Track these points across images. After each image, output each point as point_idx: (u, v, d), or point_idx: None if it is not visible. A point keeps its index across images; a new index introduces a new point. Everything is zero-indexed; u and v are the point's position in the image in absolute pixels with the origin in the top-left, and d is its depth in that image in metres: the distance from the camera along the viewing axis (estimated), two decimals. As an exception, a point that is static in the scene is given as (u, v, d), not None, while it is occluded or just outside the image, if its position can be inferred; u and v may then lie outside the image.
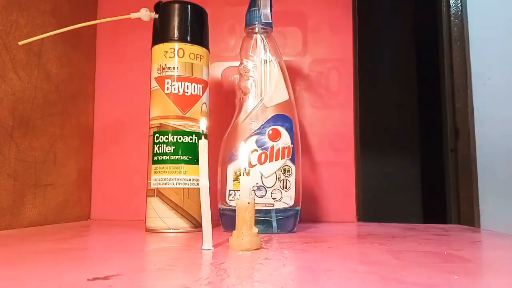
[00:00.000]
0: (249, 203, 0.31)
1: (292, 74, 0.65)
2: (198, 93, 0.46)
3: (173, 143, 0.44)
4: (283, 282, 0.21)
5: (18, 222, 0.48)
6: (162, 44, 0.46)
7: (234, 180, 0.43)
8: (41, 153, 0.52)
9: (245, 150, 0.34)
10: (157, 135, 0.45)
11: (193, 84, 0.45)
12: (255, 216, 0.33)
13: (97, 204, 0.64)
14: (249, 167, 0.38)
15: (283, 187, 0.43)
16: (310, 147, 0.63)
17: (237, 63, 0.58)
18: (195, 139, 0.45)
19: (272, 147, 0.43)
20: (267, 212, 0.43)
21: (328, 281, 0.22)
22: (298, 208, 0.44)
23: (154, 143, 0.45)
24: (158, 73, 0.46)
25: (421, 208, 1.34)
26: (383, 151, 1.28)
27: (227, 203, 0.43)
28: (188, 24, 0.46)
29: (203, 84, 0.46)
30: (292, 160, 0.44)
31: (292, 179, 0.43)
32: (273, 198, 0.43)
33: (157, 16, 0.46)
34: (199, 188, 0.31)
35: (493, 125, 0.95)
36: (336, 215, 0.61)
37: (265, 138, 0.43)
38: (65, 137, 0.57)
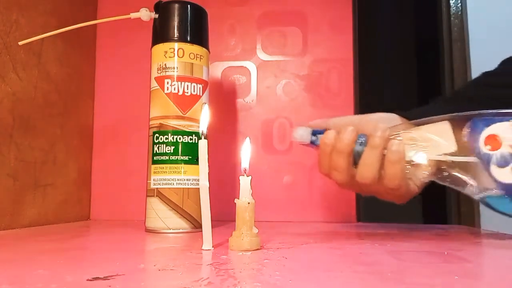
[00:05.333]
0: (249, 203, 0.31)
1: (292, 74, 0.65)
2: (198, 93, 0.46)
3: (173, 143, 0.44)
4: (283, 282, 0.21)
5: (18, 222, 0.48)
6: (162, 44, 0.46)
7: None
8: (41, 153, 0.52)
9: (247, 149, 0.34)
10: (157, 135, 0.45)
11: (193, 84, 0.45)
12: None
13: (97, 204, 0.64)
14: None
15: None
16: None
17: (237, 63, 0.58)
18: (195, 139, 0.45)
19: None
20: None
21: (328, 281, 0.22)
22: None
23: (154, 143, 0.45)
24: (158, 73, 0.46)
25: (421, 208, 1.34)
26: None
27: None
28: (188, 24, 0.46)
29: (203, 84, 0.46)
30: None
31: None
32: None
33: (157, 16, 0.46)
34: (199, 188, 0.31)
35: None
36: (336, 215, 0.61)
37: None
38: (65, 137, 0.57)
